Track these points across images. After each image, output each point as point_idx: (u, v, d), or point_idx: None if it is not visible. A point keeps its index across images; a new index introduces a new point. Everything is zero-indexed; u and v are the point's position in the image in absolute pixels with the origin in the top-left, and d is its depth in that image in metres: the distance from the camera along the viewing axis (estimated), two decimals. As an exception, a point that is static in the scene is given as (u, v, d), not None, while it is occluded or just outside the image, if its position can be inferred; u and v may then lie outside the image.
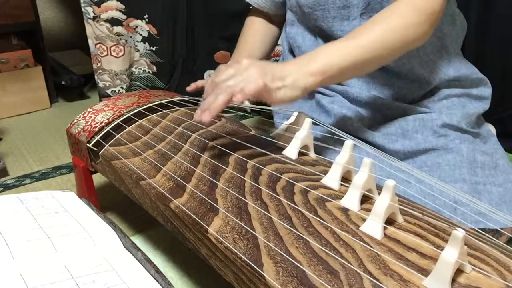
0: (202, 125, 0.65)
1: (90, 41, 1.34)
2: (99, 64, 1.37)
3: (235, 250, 0.44)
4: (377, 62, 0.64)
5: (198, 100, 0.88)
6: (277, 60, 1.36)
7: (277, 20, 0.92)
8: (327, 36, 0.79)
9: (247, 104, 0.72)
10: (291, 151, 0.62)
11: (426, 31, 0.63)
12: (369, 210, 0.46)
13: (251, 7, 0.93)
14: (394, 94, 0.77)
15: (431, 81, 0.77)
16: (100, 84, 1.39)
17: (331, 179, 0.54)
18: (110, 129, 0.77)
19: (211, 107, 0.56)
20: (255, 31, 0.92)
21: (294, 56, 0.87)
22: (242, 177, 0.57)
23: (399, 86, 0.77)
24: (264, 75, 0.56)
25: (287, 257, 0.42)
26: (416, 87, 0.77)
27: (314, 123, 0.63)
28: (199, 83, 0.69)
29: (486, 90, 0.81)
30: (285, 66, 0.59)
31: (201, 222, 0.49)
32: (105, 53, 1.36)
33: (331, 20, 0.76)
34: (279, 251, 0.43)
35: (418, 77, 0.76)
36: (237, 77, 0.56)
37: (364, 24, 0.63)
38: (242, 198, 0.53)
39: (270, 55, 0.97)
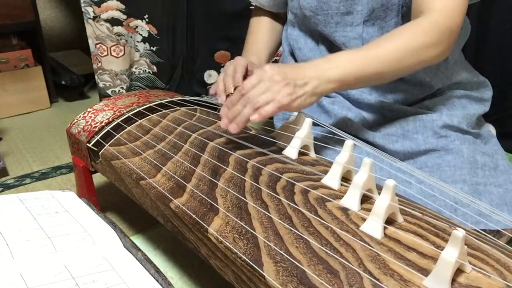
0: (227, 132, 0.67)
1: (90, 41, 1.33)
2: (99, 64, 1.37)
3: (235, 250, 0.44)
4: (395, 75, 0.65)
5: (199, 101, 0.88)
6: (276, 61, 1.35)
7: (282, 16, 0.91)
8: (329, 42, 0.78)
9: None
10: (291, 151, 0.62)
11: (445, 51, 0.64)
12: (369, 210, 0.46)
13: (252, 7, 0.93)
14: (395, 97, 0.77)
15: (433, 85, 0.77)
16: (100, 84, 1.39)
17: (331, 179, 0.54)
18: (110, 129, 0.77)
19: (238, 121, 0.59)
20: (262, 30, 0.91)
21: (294, 58, 0.86)
22: (242, 177, 0.57)
23: (401, 90, 0.76)
24: (288, 85, 0.57)
25: (287, 256, 0.42)
26: (418, 90, 0.77)
27: (314, 123, 0.63)
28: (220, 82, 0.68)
29: (487, 93, 0.81)
30: (305, 72, 0.60)
31: (201, 222, 0.49)
32: (105, 53, 1.36)
33: (333, 25, 0.75)
34: (279, 250, 0.43)
35: (420, 81, 0.76)
36: (262, 88, 0.58)
37: (387, 35, 0.64)
38: (242, 198, 0.53)
39: (276, 52, 0.97)
